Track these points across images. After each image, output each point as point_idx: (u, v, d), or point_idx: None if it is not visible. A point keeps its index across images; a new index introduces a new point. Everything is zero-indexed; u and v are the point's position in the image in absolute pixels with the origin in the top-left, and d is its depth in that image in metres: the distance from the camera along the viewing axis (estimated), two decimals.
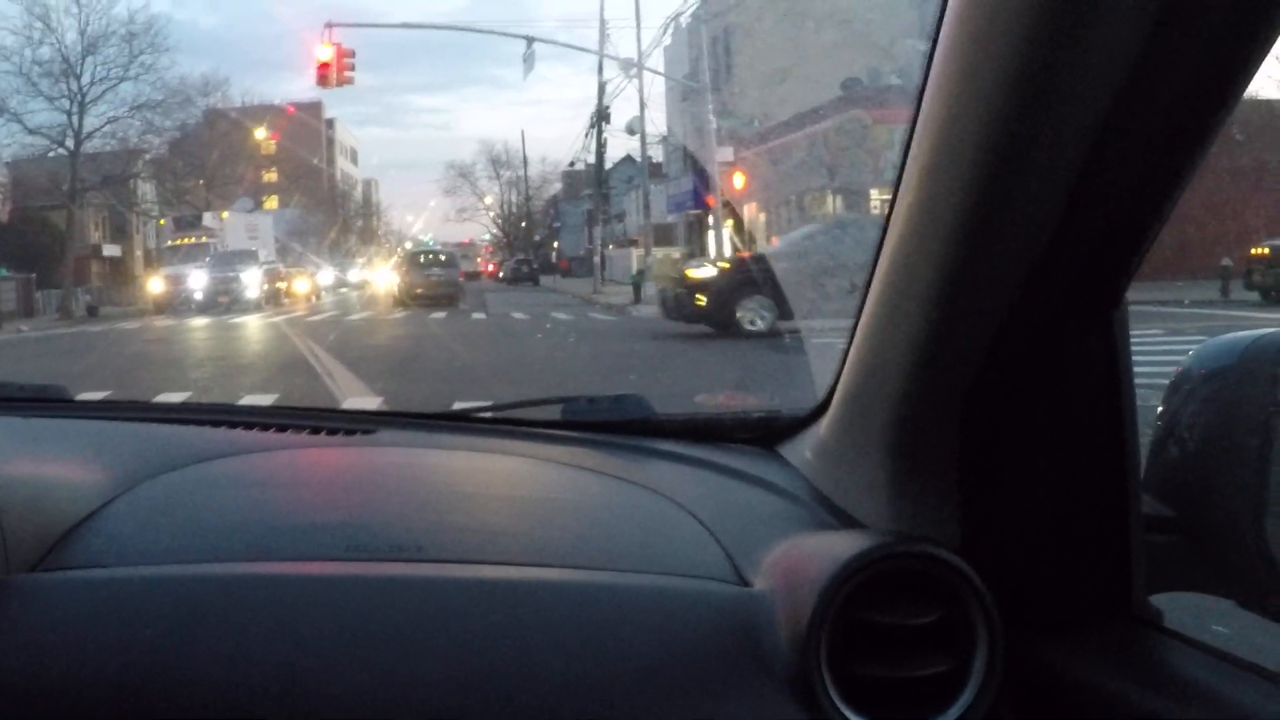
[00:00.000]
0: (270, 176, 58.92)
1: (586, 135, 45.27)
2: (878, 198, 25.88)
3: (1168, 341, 10.29)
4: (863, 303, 1.46)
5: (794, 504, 1.70)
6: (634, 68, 34.78)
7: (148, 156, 45.92)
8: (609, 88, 39.98)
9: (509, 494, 1.83)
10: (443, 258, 37.85)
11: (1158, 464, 1.37)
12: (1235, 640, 1.27)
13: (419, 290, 34.26)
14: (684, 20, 36.57)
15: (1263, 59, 0.99)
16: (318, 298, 39.76)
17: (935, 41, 1.12)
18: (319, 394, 12.32)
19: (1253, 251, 19.94)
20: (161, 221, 48.89)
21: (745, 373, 13.78)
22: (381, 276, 47.32)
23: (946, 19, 1.09)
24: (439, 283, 34.85)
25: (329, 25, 26.47)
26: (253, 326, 25.76)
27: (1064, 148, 1.06)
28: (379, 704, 1.21)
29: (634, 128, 36.87)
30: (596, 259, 43.60)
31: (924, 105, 1.17)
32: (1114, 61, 0.98)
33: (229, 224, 42.54)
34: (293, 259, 43.65)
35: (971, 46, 1.06)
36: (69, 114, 40.82)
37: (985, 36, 1.03)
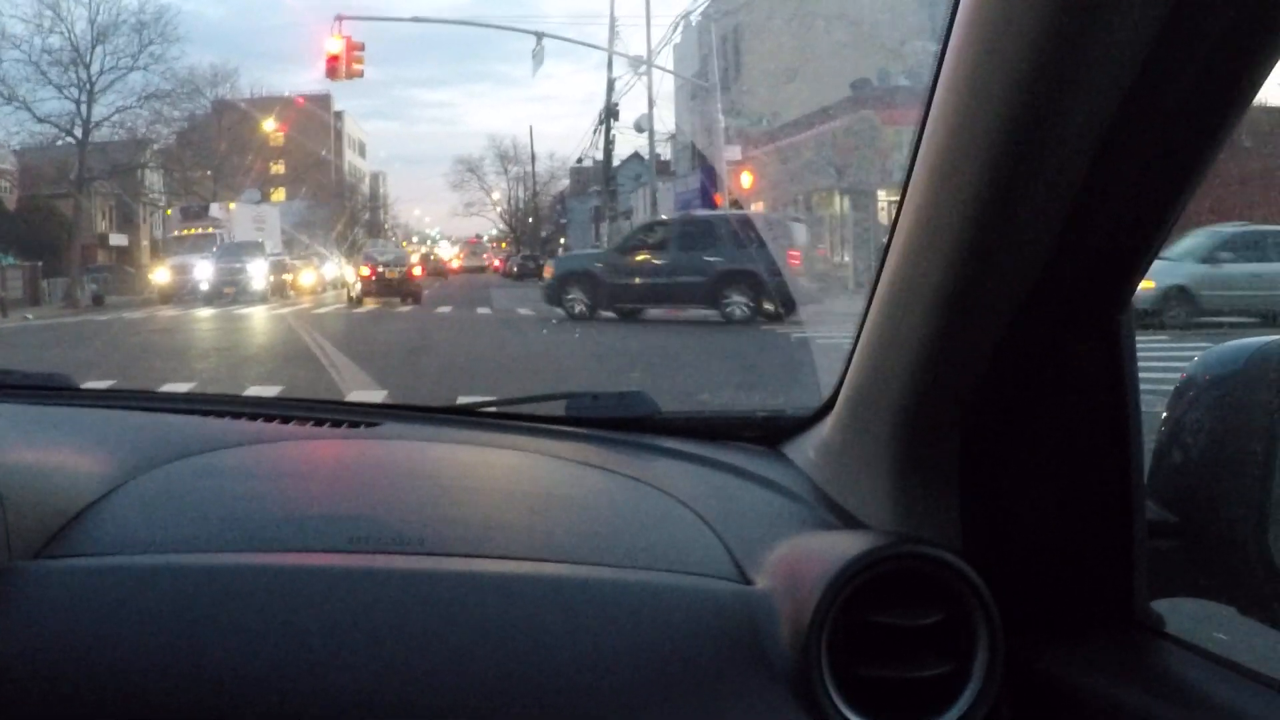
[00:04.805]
0: (278, 168, 58.79)
1: (594, 132, 45.20)
2: (885, 199, 25.81)
3: (1174, 347, 10.26)
4: (869, 303, 1.45)
5: (797, 503, 1.70)
6: (643, 65, 34.77)
7: (156, 146, 45.95)
8: (618, 85, 39.91)
9: (512, 489, 1.83)
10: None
11: (1161, 470, 1.37)
12: (1236, 647, 1.27)
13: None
14: (694, 18, 36.60)
15: (1272, 66, 0.99)
16: (324, 290, 39.59)
17: (945, 44, 1.12)
18: (324, 386, 12.32)
19: None
20: (169, 211, 48.94)
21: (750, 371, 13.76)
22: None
23: (957, 21, 1.09)
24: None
25: (339, 18, 26.46)
26: (258, 318, 25.72)
27: (1071, 152, 1.06)
28: (379, 695, 1.22)
29: (642, 125, 36.83)
30: None
31: (933, 108, 1.17)
32: (1122, 67, 0.98)
33: (236, 215, 42.51)
34: (299, 251, 43.53)
35: (981, 50, 1.06)
36: (78, 103, 40.89)
37: (995, 40, 1.03)
